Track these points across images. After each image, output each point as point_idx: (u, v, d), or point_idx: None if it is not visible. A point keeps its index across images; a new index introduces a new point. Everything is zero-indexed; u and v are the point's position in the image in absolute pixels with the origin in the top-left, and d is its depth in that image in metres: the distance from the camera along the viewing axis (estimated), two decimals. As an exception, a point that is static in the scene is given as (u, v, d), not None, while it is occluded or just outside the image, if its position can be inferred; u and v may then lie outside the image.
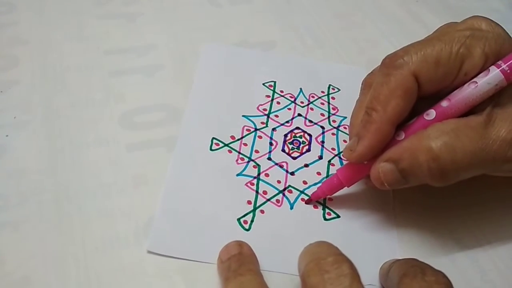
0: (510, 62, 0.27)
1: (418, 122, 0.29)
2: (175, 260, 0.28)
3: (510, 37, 0.29)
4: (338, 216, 0.32)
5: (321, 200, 0.32)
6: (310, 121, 0.37)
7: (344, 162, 0.34)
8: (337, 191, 0.32)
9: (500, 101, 0.28)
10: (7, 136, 0.33)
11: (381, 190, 0.30)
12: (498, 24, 0.29)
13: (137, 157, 0.33)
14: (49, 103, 0.36)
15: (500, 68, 0.27)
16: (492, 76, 0.27)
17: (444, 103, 0.29)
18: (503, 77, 0.27)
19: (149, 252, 0.28)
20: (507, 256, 0.31)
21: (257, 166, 0.33)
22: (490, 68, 0.28)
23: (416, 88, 0.29)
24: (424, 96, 0.30)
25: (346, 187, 0.31)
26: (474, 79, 0.28)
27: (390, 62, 0.29)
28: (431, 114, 0.29)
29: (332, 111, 0.38)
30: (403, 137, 0.29)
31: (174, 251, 0.29)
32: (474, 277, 0.30)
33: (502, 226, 0.32)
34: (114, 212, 0.30)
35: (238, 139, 0.35)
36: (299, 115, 0.37)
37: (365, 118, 0.29)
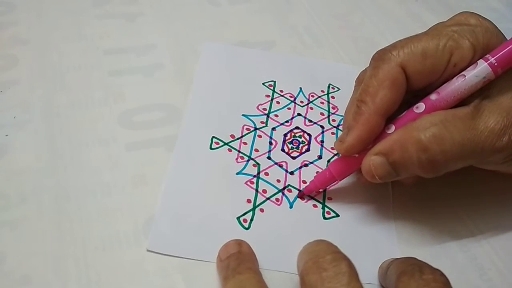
0: (498, 55, 0.28)
1: (407, 115, 0.30)
2: (175, 259, 0.28)
3: (499, 30, 0.30)
4: (338, 215, 0.32)
5: (321, 199, 0.32)
6: (310, 121, 0.37)
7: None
8: (329, 184, 0.32)
9: (489, 93, 0.28)
10: (6, 135, 0.34)
11: (379, 188, 0.30)
12: (486, 18, 0.30)
13: (136, 157, 0.33)
14: (48, 103, 0.36)
15: (488, 62, 0.28)
16: (480, 69, 0.28)
17: (433, 96, 0.29)
18: (490, 70, 0.28)
19: (149, 250, 0.29)
20: (505, 255, 0.31)
21: (257, 165, 0.34)
22: (478, 61, 0.28)
23: (404, 80, 0.29)
24: (415, 90, 0.30)
25: (338, 182, 0.32)
26: (462, 73, 0.28)
27: (378, 56, 0.30)
28: (421, 107, 0.29)
29: (332, 110, 0.38)
30: (393, 129, 0.30)
31: (173, 249, 0.29)
32: (473, 275, 0.30)
33: (501, 225, 0.32)
34: (113, 211, 0.30)
35: (238, 138, 0.35)
36: (299, 114, 0.37)
37: (355, 110, 0.30)
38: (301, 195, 0.32)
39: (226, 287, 0.25)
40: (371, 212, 0.32)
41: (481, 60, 0.28)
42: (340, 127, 0.37)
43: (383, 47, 0.31)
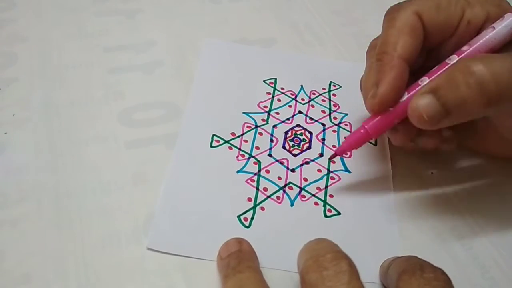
0: None
1: (441, 67, 0.29)
2: (175, 257, 0.28)
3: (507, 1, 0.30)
4: (339, 213, 0.31)
5: (322, 196, 0.32)
6: (311, 119, 0.37)
7: (346, 160, 0.34)
8: (363, 143, 0.31)
9: None
10: (6, 133, 0.33)
11: (381, 186, 0.30)
12: None
13: (136, 155, 0.33)
14: (48, 101, 0.36)
15: None
16: (510, 20, 0.28)
17: (465, 48, 0.29)
18: None
19: (149, 249, 0.28)
20: (507, 253, 0.31)
21: (258, 162, 0.33)
22: (506, 15, 0.28)
23: (421, 27, 0.29)
24: (429, 46, 0.30)
25: (372, 139, 0.31)
26: (492, 25, 0.29)
27: (392, 9, 0.30)
28: (453, 58, 0.29)
29: (333, 108, 0.38)
30: (427, 81, 0.29)
31: (174, 248, 0.28)
32: (474, 274, 0.30)
33: (503, 223, 0.32)
34: (113, 209, 0.30)
35: (239, 136, 0.35)
36: (300, 112, 0.37)
37: (378, 64, 0.29)
38: (333, 156, 0.31)
39: (226, 285, 0.25)
40: (373, 210, 0.32)
41: (508, 13, 0.28)
42: (342, 125, 0.37)
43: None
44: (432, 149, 0.32)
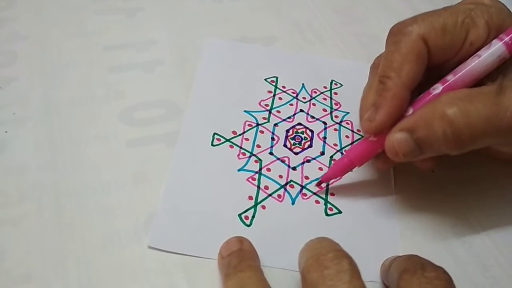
0: None
1: (425, 96, 0.29)
2: (176, 256, 0.28)
3: (511, 12, 0.30)
4: (340, 212, 0.31)
5: (323, 195, 0.32)
6: (312, 117, 0.37)
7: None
8: (347, 171, 0.32)
9: (508, 74, 0.28)
10: (6, 132, 0.33)
11: (382, 185, 0.30)
12: (498, 0, 0.30)
13: (137, 153, 0.33)
14: (48, 99, 0.36)
15: (503, 41, 0.28)
16: (495, 48, 0.28)
17: (450, 77, 0.29)
18: (505, 48, 0.28)
19: (150, 247, 0.28)
20: (508, 252, 0.31)
21: (259, 160, 0.33)
22: (492, 41, 0.28)
23: (426, 52, 0.29)
24: (431, 66, 0.30)
25: (356, 167, 0.31)
26: (477, 53, 0.29)
27: (398, 30, 0.30)
28: (438, 88, 0.29)
29: (334, 107, 0.38)
30: (411, 112, 0.29)
31: (175, 246, 0.28)
32: (475, 272, 0.29)
33: (504, 222, 0.32)
34: (114, 208, 0.30)
35: (240, 134, 0.35)
36: (301, 110, 0.37)
37: (379, 87, 0.30)
38: (319, 183, 0.32)
39: (227, 284, 0.25)
40: (374, 209, 0.32)
41: (495, 40, 0.28)
42: (343, 123, 0.37)
43: (401, 21, 0.30)
44: (431, 168, 0.32)
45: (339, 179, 0.33)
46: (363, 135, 0.36)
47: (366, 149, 0.31)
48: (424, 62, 0.29)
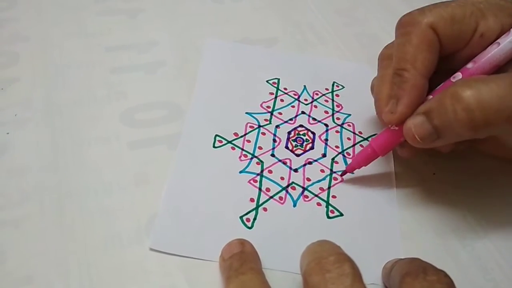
0: None
1: (445, 85, 0.30)
2: (177, 258, 0.28)
3: None
4: (342, 214, 0.31)
5: (325, 197, 0.32)
6: (314, 119, 0.37)
7: (348, 161, 0.34)
8: (371, 161, 0.32)
9: None
10: (8, 133, 0.33)
11: (384, 187, 0.30)
12: None
13: (138, 155, 0.33)
14: (50, 101, 0.36)
15: None
16: None
17: (470, 65, 0.29)
18: None
19: (151, 249, 0.28)
20: (509, 254, 0.31)
21: (260, 162, 0.33)
22: (511, 30, 0.28)
23: (437, 41, 0.29)
24: (443, 57, 0.30)
25: (380, 156, 0.32)
26: (497, 41, 0.29)
27: (407, 21, 0.30)
28: (458, 76, 0.29)
29: (336, 109, 0.38)
30: (430, 98, 0.30)
31: (176, 248, 0.28)
32: (476, 275, 0.29)
33: (505, 224, 0.32)
34: (115, 210, 0.30)
35: (241, 136, 0.35)
36: (303, 112, 0.37)
37: (397, 79, 0.30)
38: (344, 173, 0.33)
39: (229, 287, 0.25)
40: (375, 211, 0.32)
41: None
42: (345, 126, 0.36)
43: (408, 12, 0.31)
44: (448, 152, 0.32)
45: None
46: (364, 137, 0.36)
47: (389, 138, 0.31)
48: (436, 50, 0.30)
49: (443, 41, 0.29)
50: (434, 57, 0.29)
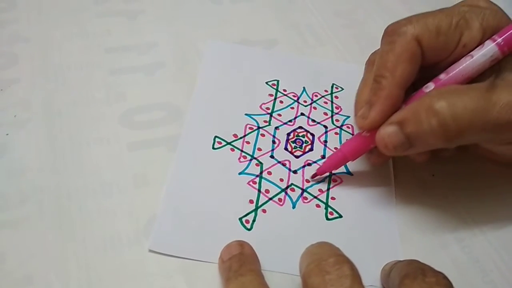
0: (504, 36, 0.28)
1: (417, 94, 0.30)
2: (176, 260, 0.28)
3: (506, 15, 0.30)
4: (341, 216, 0.31)
5: (324, 199, 0.32)
6: (313, 121, 0.37)
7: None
8: (341, 165, 0.33)
9: (501, 73, 0.28)
10: (7, 135, 0.33)
11: (382, 189, 0.30)
12: (494, 3, 0.30)
13: (138, 156, 0.33)
14: (49, 102, 0.36)
15: (495, 42, 0.28)
16: (487, 49, 0.28)
17: (442, 76, 0.29)
18: (497, 49, 0.28)
19: (151, 251, 0.28)
20: (508, 256, 0.31)
21: (260, 164, 0.33)
22: (485, 42, 0.29)
23: (420, 53, 0.30)
24: (424, 66, 0.30)
25: (350, 161, 0.32)
26: (470, 53, 0.29)
27: (393, 30, 0.30)
28: (430, 86, 0.30)
29: (335, 110, 0.38)
30: (403, 108, 0.30)
31: (175, 250, 0.28)
32: (475, 277, 0.30)
33: (503, 226, 0.32)
34: (115, 211, 0.30)
35: (241, 138, 0.35)
36: (302, 114, 0.37)
37: (374, 86, 0.30)
38: (314, 175, 0.33)
39: (228, 289, 0.25)
40: (374, 213, 0.32)
41: (488, 40, 0.29)
42: (344, 127, 0.37)
43: (396, 21, 0.31)
44: (423, 162, 0.32)
45: (338, 184, 0.33)
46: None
47: (360, 144, 0.32)
48: (417, 62, 0.30)
49: (427, 52, 0.30)
50: (414, 69, 0.30)
